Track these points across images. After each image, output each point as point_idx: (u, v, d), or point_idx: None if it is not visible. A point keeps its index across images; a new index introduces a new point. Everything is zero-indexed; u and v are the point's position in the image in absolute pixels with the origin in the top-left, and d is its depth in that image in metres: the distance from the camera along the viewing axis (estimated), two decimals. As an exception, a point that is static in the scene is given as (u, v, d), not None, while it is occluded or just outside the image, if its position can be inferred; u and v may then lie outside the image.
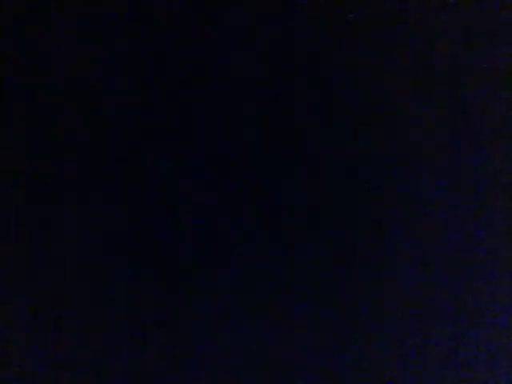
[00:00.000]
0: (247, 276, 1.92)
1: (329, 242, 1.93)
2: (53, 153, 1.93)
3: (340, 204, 1.94)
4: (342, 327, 1.91)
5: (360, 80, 1.95)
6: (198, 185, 1.94)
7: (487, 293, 1.90)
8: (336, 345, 1.91)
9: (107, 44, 1.94)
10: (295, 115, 1.95)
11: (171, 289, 1.91)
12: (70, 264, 1.91)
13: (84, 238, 1.92)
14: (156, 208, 1.93)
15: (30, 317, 1.90)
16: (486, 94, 1.95)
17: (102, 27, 1.94)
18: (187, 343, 1.91)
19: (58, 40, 1.94)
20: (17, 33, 1.94)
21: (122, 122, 1.94)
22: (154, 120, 1.94)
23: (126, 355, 1.90)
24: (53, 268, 1.91)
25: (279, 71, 1.95)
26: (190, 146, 1.94)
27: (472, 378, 1.89)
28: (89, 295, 1.91)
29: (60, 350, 1.90)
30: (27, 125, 1.93)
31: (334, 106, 1.95)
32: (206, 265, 1.92)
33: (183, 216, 1.93)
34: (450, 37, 1.95)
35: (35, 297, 1.91)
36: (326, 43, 1.95)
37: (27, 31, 1.93)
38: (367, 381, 1.90)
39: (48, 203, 1.92)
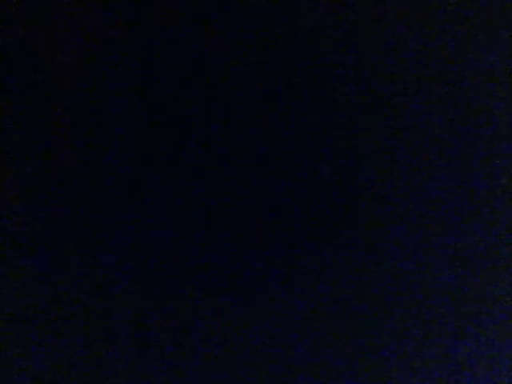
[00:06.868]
0: (247, 275, 1.93)
1: (329, 240, 1.93)
2: (53, 152, 1.93)
3: (340, 203, 1.94)
4: (341, 327, 1.91)
5: (361, 79, 1.95)
6: (197, 184, 1.94)
7: (487, 293, 1.91)
8: (335, 345, 1.91)
9: (107, 43, 1.94)
10: (294, 112, 1.95)
11: (171, 288, 1.92)
12: (70, 265, 1.92)
13: (83, 237, 1.92)
14: (155, 207, 1.93)
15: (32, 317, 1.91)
16: (486, 94, 1.95)
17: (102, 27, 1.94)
18: (187, 343, 1.91)
19: (57, 39, 1.94)
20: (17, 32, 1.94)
21: (121, 122, 1.94)
22: (154, 120, 1.95)
23: (127, 356, 1.90)
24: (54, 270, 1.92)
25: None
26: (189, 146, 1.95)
27: (472, 378, 1.89)
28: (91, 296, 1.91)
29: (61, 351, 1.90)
30: (27, 123, 1.93)
31: (334, 104, 1.95)
32: (206, 265, 1.93)
33: (183, 216, 1.94)
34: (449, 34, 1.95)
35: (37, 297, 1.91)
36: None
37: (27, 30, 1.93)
38: (367, 381, 1.90)
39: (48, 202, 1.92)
